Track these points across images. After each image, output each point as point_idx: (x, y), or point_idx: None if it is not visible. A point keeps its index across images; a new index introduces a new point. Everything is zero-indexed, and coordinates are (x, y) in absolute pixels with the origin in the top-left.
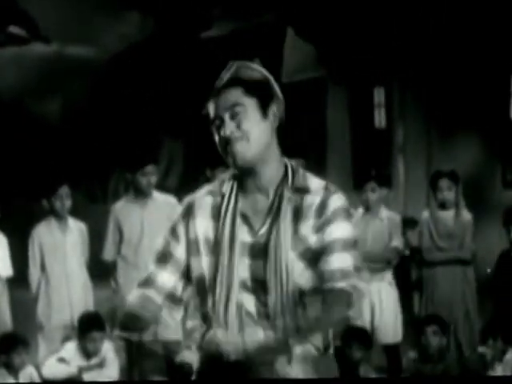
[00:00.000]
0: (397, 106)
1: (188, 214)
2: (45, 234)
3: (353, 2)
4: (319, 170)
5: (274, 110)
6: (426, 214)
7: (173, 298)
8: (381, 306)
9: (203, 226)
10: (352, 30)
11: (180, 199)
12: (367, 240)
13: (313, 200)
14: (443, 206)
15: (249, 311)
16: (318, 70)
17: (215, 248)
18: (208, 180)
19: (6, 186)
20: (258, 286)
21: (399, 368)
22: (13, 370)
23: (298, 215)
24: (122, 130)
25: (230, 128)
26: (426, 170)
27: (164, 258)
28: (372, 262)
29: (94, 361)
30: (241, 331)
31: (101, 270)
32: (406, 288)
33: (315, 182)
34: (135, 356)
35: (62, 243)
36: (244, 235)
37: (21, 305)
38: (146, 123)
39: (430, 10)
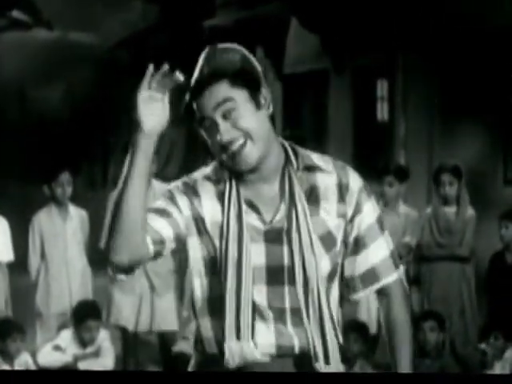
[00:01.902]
0: (400, 100)
1: (190, 191)
2: (45, 221)
3: None
4: None
5: (264, 94)
6: (428, 210)
7: (160, 251)
8: None
9: (209, 206)
10: (356, 21)
11: None
12: None
13: (328, 180)
14: (445, 201)
15: (260, 306)
16: (320, 62)
17: (222, 233)
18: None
19: (7, 171)
20: (275, 275)
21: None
22: (8, 356)
23: (315, 196)
24: (123, 117)
25: (227, 130)
26: (427, 165)
27: (163, 212)
28: None
29: (89, 349)
30: (251, 332)
31: (101, 258)
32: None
33: (320, 159)
34: (131, 346)
35: (62, 230)
36: (254, 222)
37: (19, 291)
38: None
39: (433, 3)
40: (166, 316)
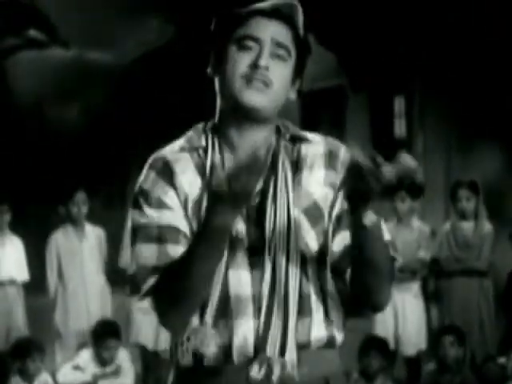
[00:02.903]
0: (417, 116)
1: (167, 174)
2: (62, 241)
3: (374, 12)
4: None
5: (300, 84)
6: (447, 225)
7: None
8: (404, 317)
9: (188, 183)
10: (373, 38)
11: None
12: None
13: (315, 149)
14: (463, 216)
15: (242, 295)
16: (338, 78)
17: (200, 208)
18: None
19: (23, 190)
20: (255, 258)
21: (418, 380)
22: (27, 376)
23: (298, 166)
24: (141, 136)
25: (267, 60)
26: (444, 181)
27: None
28: (398, 272)
29: (109, 369)
30: (230, 319)
31: (119, 277)
32: (424, 299)
33: (313, 134)
34: (151, 365)
35: (79, 249)
36: None
37: (38, 311)
38: (165, 129)
39: (451, 20)
40: None
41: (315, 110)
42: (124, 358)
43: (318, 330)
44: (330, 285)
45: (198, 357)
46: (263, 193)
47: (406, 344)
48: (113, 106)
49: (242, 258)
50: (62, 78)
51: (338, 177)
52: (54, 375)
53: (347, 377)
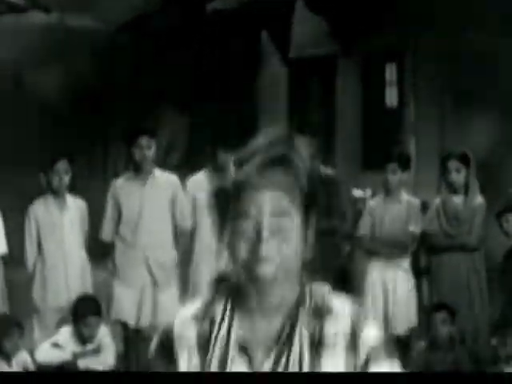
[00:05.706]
0: (409, 84)
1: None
2: (41, 212)
3: None
4: (328, 148)
5: (315, 219)
6: (438, 199)
7: None
8: (394, 294)
9: (186, 363)
10: (364, 3)
11: (183, 177)
12: (385, 224)
13: (338, 327)
14: (451, 188)
15: None
16: (328, 45)
17: None
18: (208, 158)
19: (2, 159)
20: None
21: (408, 359)
22: (5, 354)
23: (318, 345)
24: (125, 103)
25: (270, 246)
26: (438, 152)
27: None
28: (388, 247)
29: (89, 346)
30: None
31: (101, 250)
32: (416, 275)
33: (339, 302)
34: (133, 342)
35: (59, 221)
36: (243, 369)
37: (15, 286)
38: (150, 95)
39: None
40: (169, 310)
41: (304, 78)
42: (105, 335)
43: None
44: None
45: None
46: (274, 367)
47: (396, 322)
48: (96, 72)
49: None
50: (42, 45)
51: (358, 360)
52: (32, 353)
53: None
